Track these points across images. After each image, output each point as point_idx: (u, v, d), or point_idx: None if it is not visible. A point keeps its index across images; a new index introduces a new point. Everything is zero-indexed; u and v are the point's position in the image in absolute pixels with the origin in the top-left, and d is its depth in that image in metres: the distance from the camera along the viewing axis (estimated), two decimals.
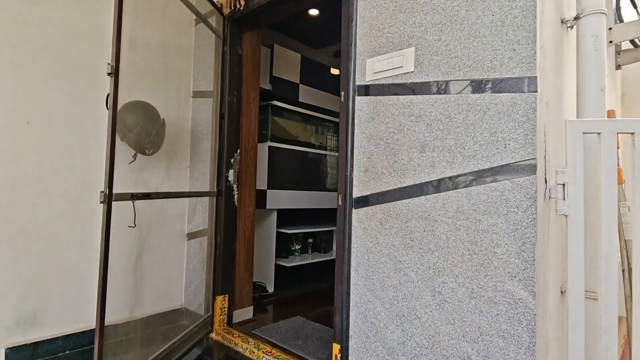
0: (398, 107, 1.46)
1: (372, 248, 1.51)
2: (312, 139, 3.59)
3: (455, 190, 1.29)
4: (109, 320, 1.46)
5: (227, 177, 2.35)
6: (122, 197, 1.57)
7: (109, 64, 1.46)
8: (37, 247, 1.91)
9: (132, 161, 2.13)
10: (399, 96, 1.47)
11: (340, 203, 1.65)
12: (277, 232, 3.20)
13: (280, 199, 3.13)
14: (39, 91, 1.95)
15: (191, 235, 2.50)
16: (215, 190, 2.33)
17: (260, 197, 2.96)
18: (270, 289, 3.09)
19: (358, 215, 1.57)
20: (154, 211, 2.22)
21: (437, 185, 1.33)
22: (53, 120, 1.99)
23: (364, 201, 1.55)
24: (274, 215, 3.13)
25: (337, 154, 3.74)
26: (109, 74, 1.46)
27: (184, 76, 2.51)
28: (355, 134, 1.61)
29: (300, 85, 3.35)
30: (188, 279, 2.49)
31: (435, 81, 1.37)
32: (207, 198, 2.37)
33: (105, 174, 1.43)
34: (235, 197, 2.40)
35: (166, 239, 2.40)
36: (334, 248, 4.08)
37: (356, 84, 1.61)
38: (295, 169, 3.27)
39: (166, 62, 2.38)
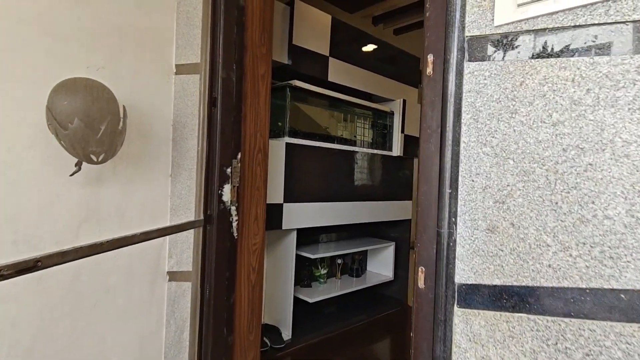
0: (595, 89, 0.59)
1: None
2: (345, 132, 2.72)
3: None
4: None
5: (220, 195, 1.53)
6: None
7: None
8: None
9: (75, 172, 1.35)
10: (600, 59, 0.59)
11: (422, 285, 0.80)
12: (297, 255, 2.40)
13: (302, 214, 2.30)
14: None
15: (175, 276, 1.71)
16: (202, 217, 1.52)
17: (274, 214, 2.15)
18: (287, 333, 2.30)
19: (466, 323, 0.72)
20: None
21: None
22: None
23: (481, 296, 0.70)
24: (293, 235, 2.31)
25: (372, 150, 2.86)
26: None
27: (161, 42, 1.68)
28: (461, 143, 0.75)
29: (330, 58, 2.47)
30: (169, 339, 1.72)
31: None
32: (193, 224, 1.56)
33: None
34: (234, 224, 1.59)
35: (135, 280, 1.63)
36: (368, 269, 3.25)
37: (467, 34, 0.74)
38: (322, 173, 2.43)
39: (133, 19, 1.55)
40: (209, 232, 1.53)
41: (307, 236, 2.74)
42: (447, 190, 0.74)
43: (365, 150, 2.76)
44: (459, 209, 0.73)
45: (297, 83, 2.26)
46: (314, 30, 2.35)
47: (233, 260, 1.60)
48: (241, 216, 1.64)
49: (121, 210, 1.48)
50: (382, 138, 3.00)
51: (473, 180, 0.71)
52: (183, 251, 1.66)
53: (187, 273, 1.63)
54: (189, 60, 1.67)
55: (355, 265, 3.05)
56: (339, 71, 2.53)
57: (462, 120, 0.73)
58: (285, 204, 2.20)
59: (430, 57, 0.80)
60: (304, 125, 2.43)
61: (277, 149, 2.15)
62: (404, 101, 2.95)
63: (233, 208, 1.58)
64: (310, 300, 2.44)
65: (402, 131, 2.95)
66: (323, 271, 2.77)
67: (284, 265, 2.35)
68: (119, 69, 1.46)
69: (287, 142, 2.21)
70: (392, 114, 2.98)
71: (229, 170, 1.55)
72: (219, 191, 1.53)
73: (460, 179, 0.73)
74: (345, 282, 2.91)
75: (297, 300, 2.41)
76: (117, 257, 1.51)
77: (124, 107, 1.44)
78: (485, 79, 0.71)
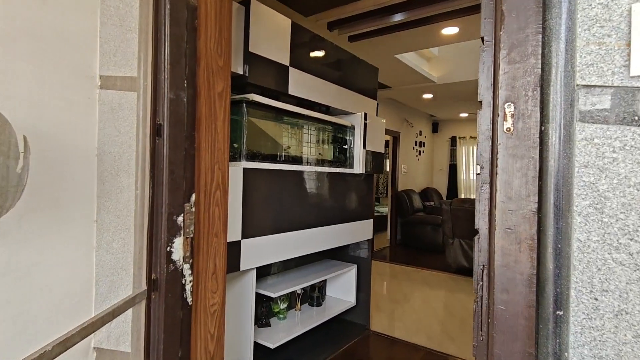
0: None
1: None
2: (308, 151, 2.44)
3: None
4: None
5: (169, 253, 1.17)
6: None
7: None
8: None
9: None
10: None
11: None
12: (257, 294, 2.07)
13: (262, 250, 1.98)
14: None
15: (105, 356, 1.30)
16: (144, 284, 1.14)
17: (231, 254, 1.80)
18: None
19: None
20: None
21: None
22: None
23: None
24: (252, 274, 1.98)
25: (335, 169, 2.62)
26: None
27: (78, 46, 1.25)
28: (574, 241, 0.51)
29: (290, 69, 2.16)
30: None
31: None
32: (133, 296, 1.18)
33: None
34: (188, 287, 1.23)
35: None
36: (328, 293, 3.01)
37: (578, 81, 0.50)
38: (282, 200, 2.12)
39: (36, 16, 1.12)
40: (155, 303, 1.16)
41: (259, 267, 2.41)
42: (552, 311, 0.50)
43: (328, 169, 2.51)
44: (571, 340, 0.49)
45: (255, 97, 1.92)
46: (273, 36, 2.03)
47: (187, 333, 1.24)
48: (197, 275, 1.28)
49: (25, 281, 1.05)
50: (344, 155, 2.77)
51: (597, 299, 0.48)
52: (118, 325, 1.26)
53: (123, 355, 1.23)
54: (120, 72, 1.27)
55: (316, 293, 2.79)
56: (299, 83, 2.23)
57: (575, 208, 0.50)
58: (243, 241, 1.86)
59: (509, 107, 0.55)
60: (263, 146, 2.10)
61: (234, 175, 1.80)
62: (365, 114, 2.75)
63: (186, 267, 1.22)
64: (272, 346, 2.13)
65: (364, 147, 2.75)
66: (283, 306, 2.47)
67: (241, 308, 2.01)
68: (14, 82, 1.03)
69: (244, 167, 1.87)
70: (353, 128, 2.77)
71: (180, 218, 1.19)
72: (168, 247, 1.16)
73: (573, 294, 0.49)
74: (306, 313, 2.63)
75: (256, 345, 2.08)
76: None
77: (25, 138, 1.03)
78: (614, 152, 0.48)
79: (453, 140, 8.45)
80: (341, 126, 2.71)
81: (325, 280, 2.99)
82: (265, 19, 1.97)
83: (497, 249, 0.56)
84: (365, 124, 2.75)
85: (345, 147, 2.78)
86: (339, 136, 2.75)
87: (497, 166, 0.58)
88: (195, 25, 1.25)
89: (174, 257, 1.18)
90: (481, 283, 0.60)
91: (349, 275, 2.93)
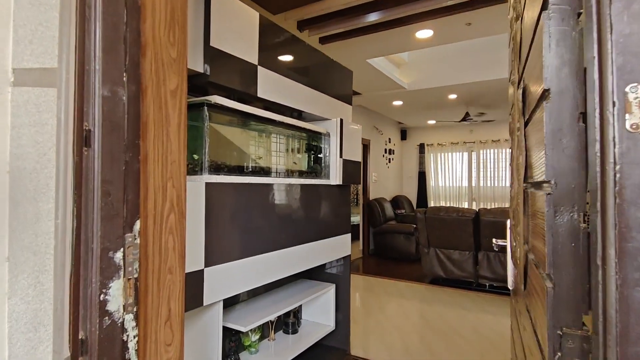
0: None
1: None
2: (280, 161, 2.18)
3: None
4: None
5: (104, 302, 0.87)
6: None
7: None
8: None
9: None
10: None
11: None
12: (224, 327, 1.77)
13: (230, 278, 1.69)
14: None
15: None
16: (67, 350, 0.84)
17: (192, 287, 1.50)
18: None
19: None
20: None
21: None
22: None
23: None
24: (219, 307, 1.69)
25: (310, 180, 2.38)
26: None
27: None
28: None
29: (259, 68, 1.91)
30: None
31: None
32: None
33: None
34: (131, 345, 0.93)
35: None
36: (304, 317, 2.74)
37: None
38: (252, 218, 1.85)
39: None
40: None
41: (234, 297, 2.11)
42: None
43: (302, 181, 2.26)
44: None
45: (219, 100, 1.65)
46: (239, 30, 1.77)
47: None
48: (144, 326, 0.99)
49: None
50: (319, 165, 2.53)
51: None
52: None
53: None
54: (38, 64, 0.97)
55: (291, 319, 2.51)
56: (270, 85, 1.98)
57: None
58: (207, 269, 1.56)
59: (634, 91, 0.33)
60: (229, 157, 1.82)
61: (194, 193, 1.51)
62: (342, 121, 2.53)
63: (129, 318, 0.92)
64: None
65: (341, 155, 2.53)
66: (255, 337, 2.17)
67: (205, 345, 1.70)
68: None
69: (207, 181, 1.58)
70: (328, 135, 2.54)
71: (119, 254, 0.90)
72: (102, 295, 0.86)
73: None
74: (281, 343, 2.34)
75: None
76: None
77: None
78: None
79: (421, 147, 8.46)
80: (316, 133, 2.47)
81: (301, 306, 2.72)
82: (229, 10, 1.71)
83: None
84: (341, 131, 2.53)
85: (320, 156, 2.55)
86: (314, 144, 2.51)
87: (611, 188, 0.36)
88: (138, 3, 0.97)
89: (111, 307, 0.88)
90: None
91: (326, 296, 2.67)
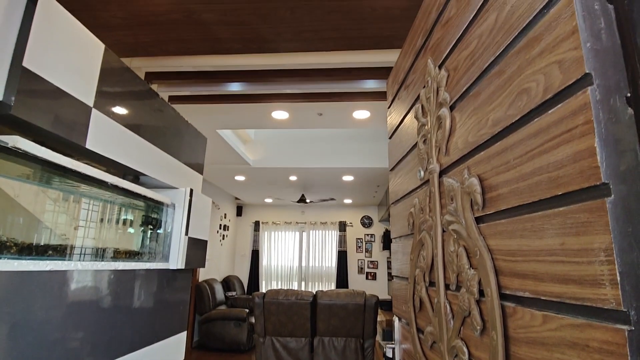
0: None
1: None
2: (103, 236, 1.59)
3: None
4: None
5: None
6: None
7: None
8: None
9: None
10: None
11: None
12: None
13: None
14: None
15: None
16: None
17: None
18: None
19: None
20: None
21: None
22: None
23: None
24: None
25: (149, 264, 1.85)
26: None
27: None
28: None
29: (94, 111, 1.42)
30: None
31: None
32: None
33: None
34: None
35: None
36: None
37: None
38: (51, 324, 1.20)
39: None
40: None
41: None
42: None
43: (131, 265, 1.70)
44: None
45: (22, 143, 1.09)
46: (73, 57, 1.30)
47: None
48: None
49: None
50: (156, 242, 2.01)
51: None
52: None
53: None
54: None
55: None
56: (106, 136, 1.49)
57: None
58: None
59: None
60: (14, 229, 1.20)
61: None
62: (192, 191, 2.14)
63: None
64: None
65: (187, 232, 2.08)
66: None
67: None
68: None
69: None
70: (173, 207, 2.08)
71: None
72: None
73: None
74: None
75: None
76: None
77: None
78: None
79: (257, 225, 8.34)
80: (158, 203, 1.99)
81: None
82: (62, 27, 1.25)
83: None
84: (190, 203, 2.12)
85: (160, 232, 2.04)
86: (153, 217, 2.00)
87: None
88: None
89: None
90: None
91: None
